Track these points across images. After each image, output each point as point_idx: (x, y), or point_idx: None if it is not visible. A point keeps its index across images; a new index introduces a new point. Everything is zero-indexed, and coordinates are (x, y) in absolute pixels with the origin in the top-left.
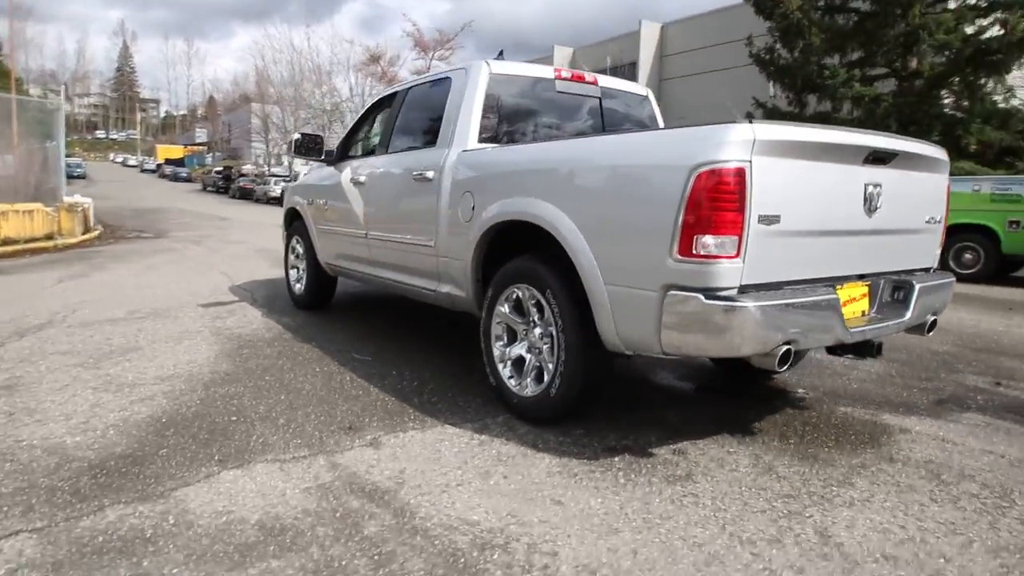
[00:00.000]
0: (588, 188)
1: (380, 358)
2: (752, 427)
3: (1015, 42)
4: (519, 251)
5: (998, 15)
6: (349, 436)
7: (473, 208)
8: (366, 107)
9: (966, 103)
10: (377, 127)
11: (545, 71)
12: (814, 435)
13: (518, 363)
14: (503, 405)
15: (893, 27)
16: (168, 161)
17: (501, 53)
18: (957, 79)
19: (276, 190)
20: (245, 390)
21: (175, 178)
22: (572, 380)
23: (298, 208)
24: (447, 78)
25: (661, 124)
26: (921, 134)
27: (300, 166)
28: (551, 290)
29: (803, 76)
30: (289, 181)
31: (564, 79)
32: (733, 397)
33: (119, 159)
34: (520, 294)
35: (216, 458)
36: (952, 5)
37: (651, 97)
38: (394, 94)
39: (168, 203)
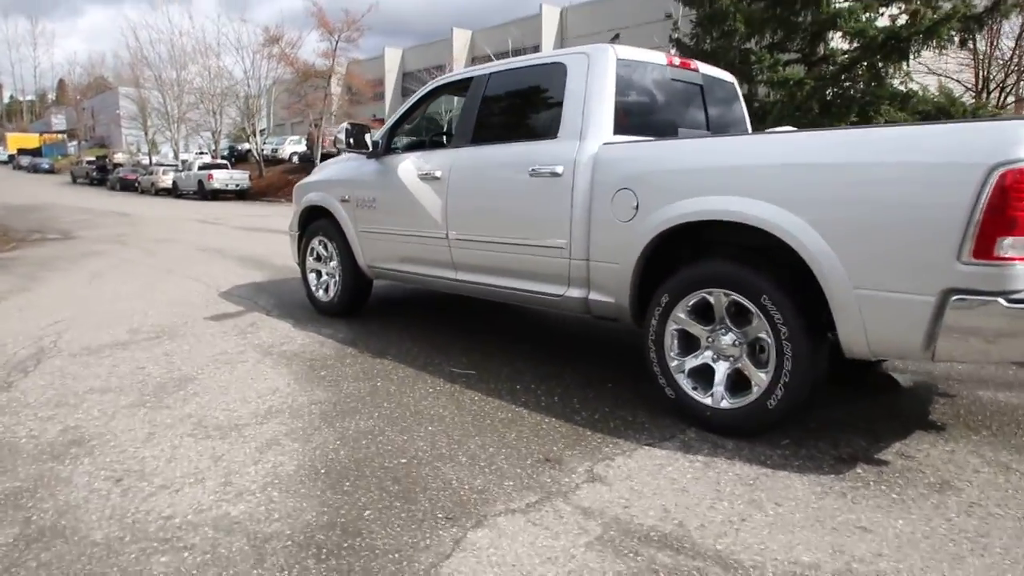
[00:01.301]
0: (831, 187)
1: (484, 370)
2: (931, 420)
3: (923, 31)
4: (678, 254)
5: (907, 5)
6: (557, 470)
7: (636, 207)
8: (418, 93)
9: (872, 86)
10: (443, 116)
11: (657, 56)
12: (1000, 424)
13: (701, 373)
14: (687, 418)
15: (802, 15)
16: (22, 151)
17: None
18: (865, 64)
19: (166, 180)
20: (378, 423)
21: (35, 169)
22: (798, 390)
23: (325, 206)
24: (559, 63)
25: (745, 112)
26: (840, 116)
27: (186, 155)
28: (767, 296)
29: (726, 60)
30: (180, 171)
31: (675, 66)
32: (856, 387)
33: None
34: (711, 299)
35: (440, 516)
36: None
37: (736, 84)
38: (465, 80)
39: (45, 199)
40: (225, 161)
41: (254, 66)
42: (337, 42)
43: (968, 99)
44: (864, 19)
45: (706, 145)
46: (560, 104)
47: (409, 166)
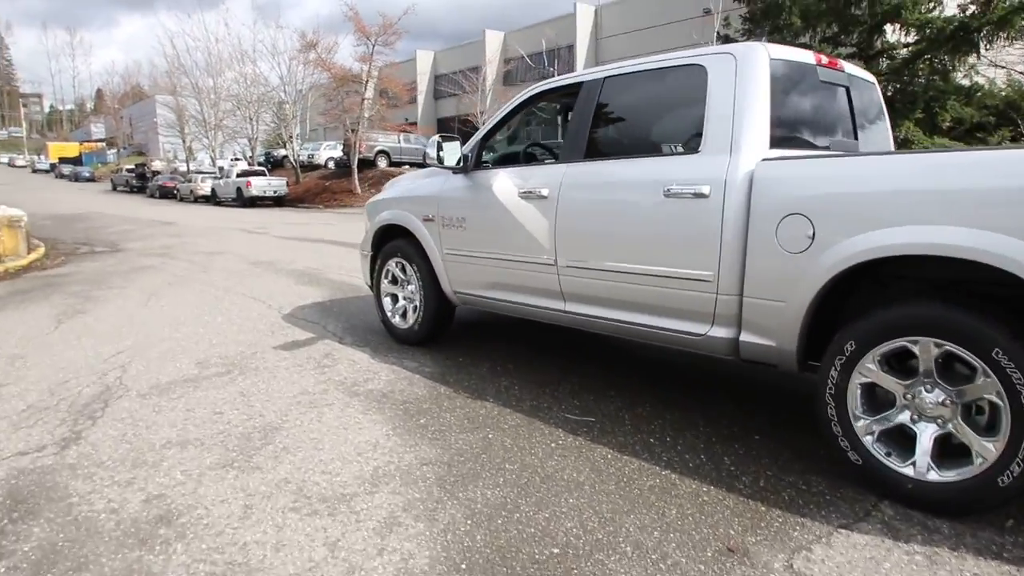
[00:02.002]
0: None
1: (602, 415)
2: None
3: (995, 20)
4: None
5: None
6: (747, 566)
7: (811, 236)
8: (514, 101)
9: (934, 81)
10: (544, 127)
11: (805, 55)
12: None
13: (894, 435)
14: (875, 488)
15: (858, 7)
16: (63, 160)
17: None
18: (928, 58)
19: (205, 188)
20: (507, 493)
21: (76, 178)
22: None
23: (404, 225)
24: (695, 66)
25: (887, 116)
26: (903, 113)
27: (223, 162)
28: (1003, 349)
29: None
30: (218, 178)
31: (823, 65)
32: None
33: (4, 159)
34: (914, 349)
35: None
36: None
37: (876, 84)
38: (574, 86)
39: (87, 207)
40: (263, 168)
41: (290, 72)
42: (374, 46)
43: None
44: (930, 9)
45: (908, 163)
46: (699, 113)
47: (507, 183)
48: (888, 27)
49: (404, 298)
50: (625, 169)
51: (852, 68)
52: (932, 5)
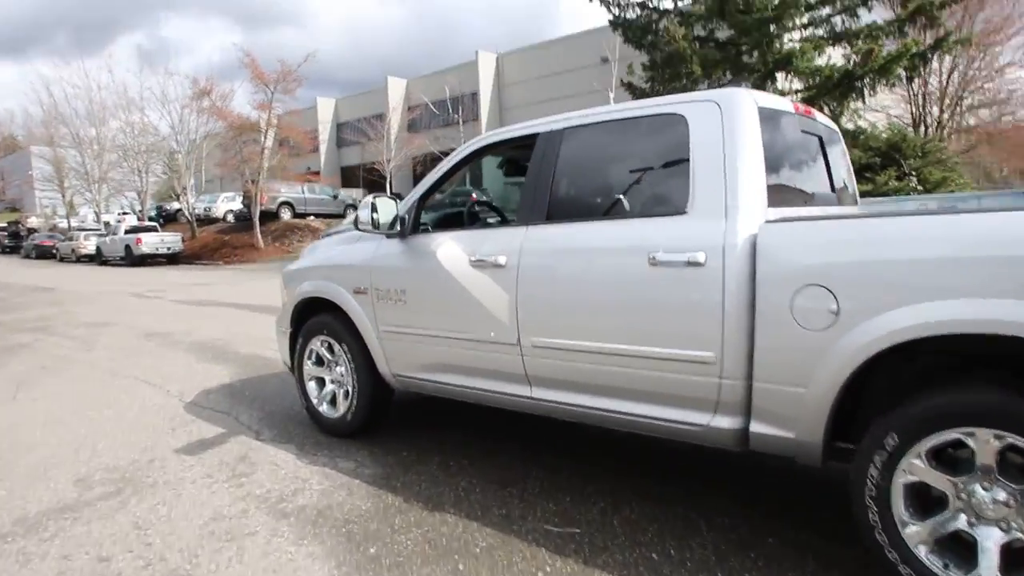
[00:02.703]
0: None
1: (588, 522)
2: None
3: (876, 68)
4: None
5: (859, 44)
6: None
7: (836, 312)
8: (456, 156)
9: None
10: (497, 185)
11: (784, 103)
12: None
13: (954, 541)
14: None
15: (750, 56)
16: None
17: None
18: (820, 104)
19: (88, 246)
20: None
21: None
22: None
23: (330, 299)
24: (673, 115)
25: (851, 167)
26: None
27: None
28: None
29: None
30: (104, 235)
31: (801, 115)
32: None
33: None
34: (970, 443)
35: None
36: (796, 36)
37: (840, 133)
38: (527, 138)
39: None
40: (154, 223)
41: (182, 120)
42: (273, 93)
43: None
44: (813, 59)
45: (953, 226)
46: (682, 168)
47: (454, 250)
48: (779, 75)
49: (332, 382)
50: (598, 233)
51: (821, 117)
52: (818, 54)
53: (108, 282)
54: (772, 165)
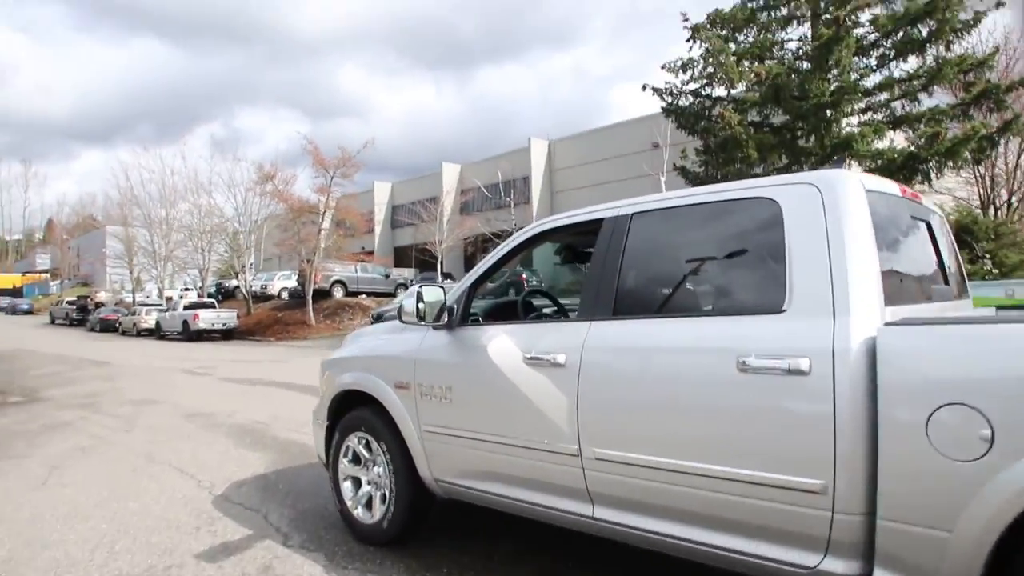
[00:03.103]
0: None
1: None
2: None
3: (943, 151)
4: None
5: (921, 127)
6: None
7: (990, 438)
8: (512, 242)
9: None
10: (547, 266)
11: (891, 186)
12: None
13: None
14: None
15: (807, 140)
16: (1, 292)
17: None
18: None
19: (149, 320)
20: None
21: (13, 311)
22: None
23: (369, 392)
24: (763, 200)
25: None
26: None
27: (171, 292)
28: None
29: None
30: (165, 311)
31: (909, 198)
32: None
33: None
34: None
35: None
36: (854, 120)
37: (944, 215)
38: (591, 223)
39: (18, 343)
40: (212, 300)
41: (246, 203)
42: (332, 177)
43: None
44: (876, 142)
45: None
46: (776, 260)
47: (506, 345)
48: (847, 158)
49: (369, 483)
50: (674, 332)
51: (926, 200)
52: (878, 138)
53: (162, 357)
54: (883, 256)
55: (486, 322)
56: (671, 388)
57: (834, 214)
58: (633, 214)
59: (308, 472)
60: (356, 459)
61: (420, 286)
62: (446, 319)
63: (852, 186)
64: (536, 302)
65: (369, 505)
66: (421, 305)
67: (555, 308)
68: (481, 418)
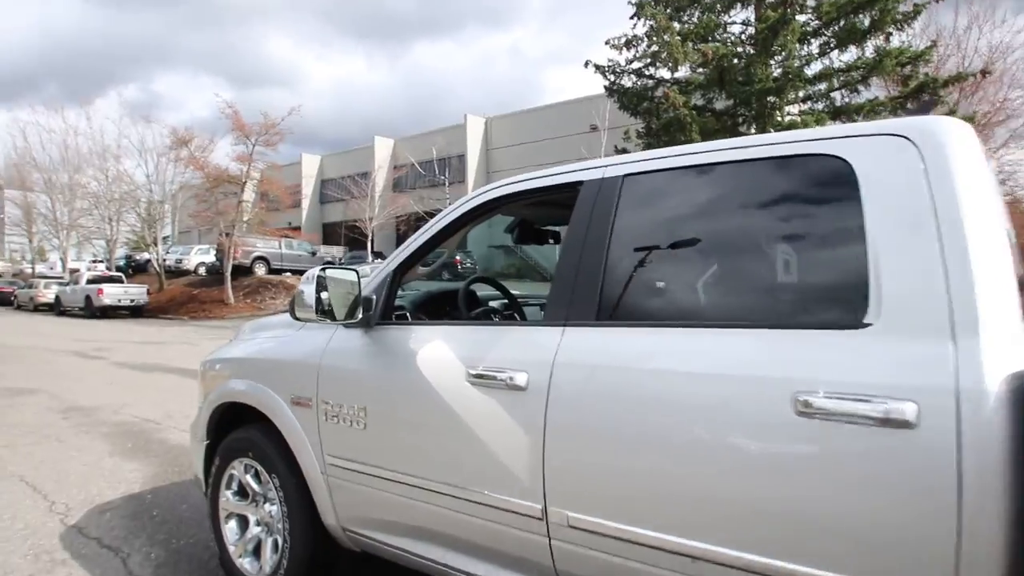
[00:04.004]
0: None
1: None
2: None
3: None
4: None
5: (859, 119)
6: None
7: None
8: (451, 212)
9: None
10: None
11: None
12: None
13: None
14: None
15: (750, 126)
16: None
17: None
18: None
19: (47, 294)
20: None
21: None
22: None
23: (260, 408)
24: (828, 157)
25: None
26: None
27: (77, 263)
28: None
29: None
30: (65, 284)
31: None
32: None
33: None
34: None
35: None
36: (795, 108)
37: None
38: (563, 187)
39: None
40: (119, 273)
41: (158, 170)
42: (254, 146)
43: None
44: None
45: None
46: (851, 248)
47: (443, 354)
48: None
49: (259, 523)
50: (693, 350)
51: None
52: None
53: (55, 336)
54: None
55: (416, 319)
56: (686, 433)
57: (943, 180)
58: (625, 176)
59: (193, 493)
60: (242, 492)
61: (322, 268)
62: (361, 314)
63: (965, 138)
64: (482, 293)
65: (258, 552)
66: (324, 295)
67: (505, 302)
68: (406, 453)
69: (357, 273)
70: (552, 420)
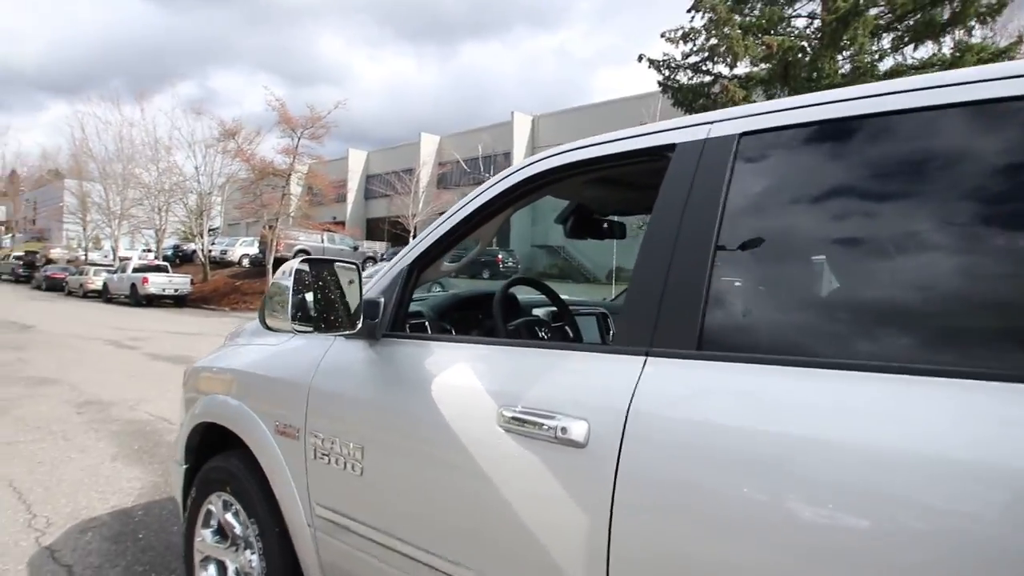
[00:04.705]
0: None
1: None
2: None
3: None
4: None
5: None
6: None
7: None
8: (488, 191)
9: None
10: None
11: None
12: None
13: None
14: None
15: None
16: None
17: None
18: None
19: (96, 281)
20: None
21: None
22: None
23: (239, 434)
24: None
25: None
26: None
27: (131, 253)
28: None
29: None
30: (113, 271)
31: None
32: None
33: None
34: None
35: None
36: None
37: None
38: (647, 153)
39: None
40: (165, 263)
41: (206, 161)
42: (299, 138)
43: None
44: None
45: None
46: None
47: (468, 380)
48: None
49: (239, 574)
50: (871, 406)
51: None
52: None
53: (96, 323)
54: None
55: (438, 331)
56: (870, 536)
57: None
58: (743, 134)
59: None
60: (221, 533)
61: (304, 260)
62: (361, 323)
63: None
64: (524, 298)
65: None
66: (297, 299)
67: (554, 311)
68: (410, 515)
69: (358, 267)
70: (624, 494)
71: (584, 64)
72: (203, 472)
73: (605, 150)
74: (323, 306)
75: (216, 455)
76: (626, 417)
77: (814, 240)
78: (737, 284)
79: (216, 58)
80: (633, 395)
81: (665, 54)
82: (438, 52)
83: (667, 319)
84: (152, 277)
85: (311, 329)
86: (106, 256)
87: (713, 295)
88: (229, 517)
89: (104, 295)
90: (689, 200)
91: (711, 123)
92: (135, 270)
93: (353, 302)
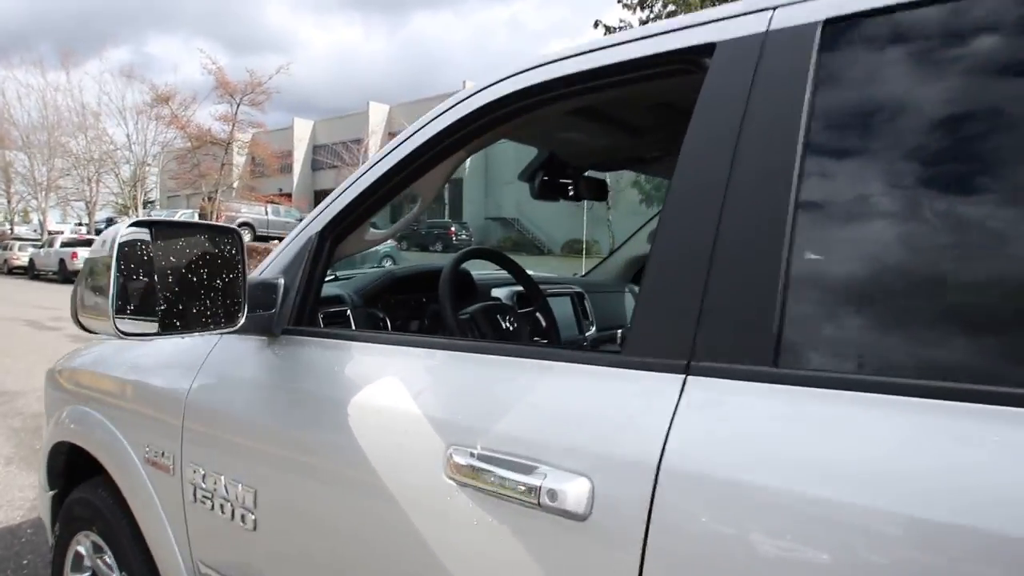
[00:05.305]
0: None
1: None
2: None
3: None
4: None
5: None
6: None
7: None
8: (420, 129)
9: None
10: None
11: None
12: None
13: None
14: None
15: None
16: None
17: None
18: None
19: (22, 257)
20: None
21: None
22: None
23: (103, 463)
24: None
25: None
26: None
27: (63, 227)
28: None
29: None
30: (40, 246)
31: None
32: None
33: None
34: None
35: None
36: None
37: None
38: (666, 57)
39: None
40: (96, 237)
41: (139, 129)
42: (239, 105)
43: None
44: None
45: None
46: None
47: (401, 403)
48: None
49: None
50: None
51: None
52: None
53: (18, 302)
54: None
55: (363, 324)
56: None
57: None
58: (828, 21)
59: None
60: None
61: (139, 223)
62: (245, 315)
63: None
64: (481, 276)
65: None
66: (125, 288)
67: (519, 292)
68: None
69: (236, 234)
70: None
71: (536, 36)
72: (67, 506)
73: (600, 59)
74: (178, 292)
75: (79, 484)
76: (656, 476)
77: (971, 189)
78: (839, 261)
79: (156, 23)
80: (666, 438)
81: (622, 20)
82: (388, 21)
83: (718, 316)
84: (82, 252)
85: (153, 331)
86: (35, 231)
87: (796, 278)
88: (100, 564)
89: (30, 271)
90: (743, 131)
91: (773, 8)
92: (63, 244)
93: (234, 285)
